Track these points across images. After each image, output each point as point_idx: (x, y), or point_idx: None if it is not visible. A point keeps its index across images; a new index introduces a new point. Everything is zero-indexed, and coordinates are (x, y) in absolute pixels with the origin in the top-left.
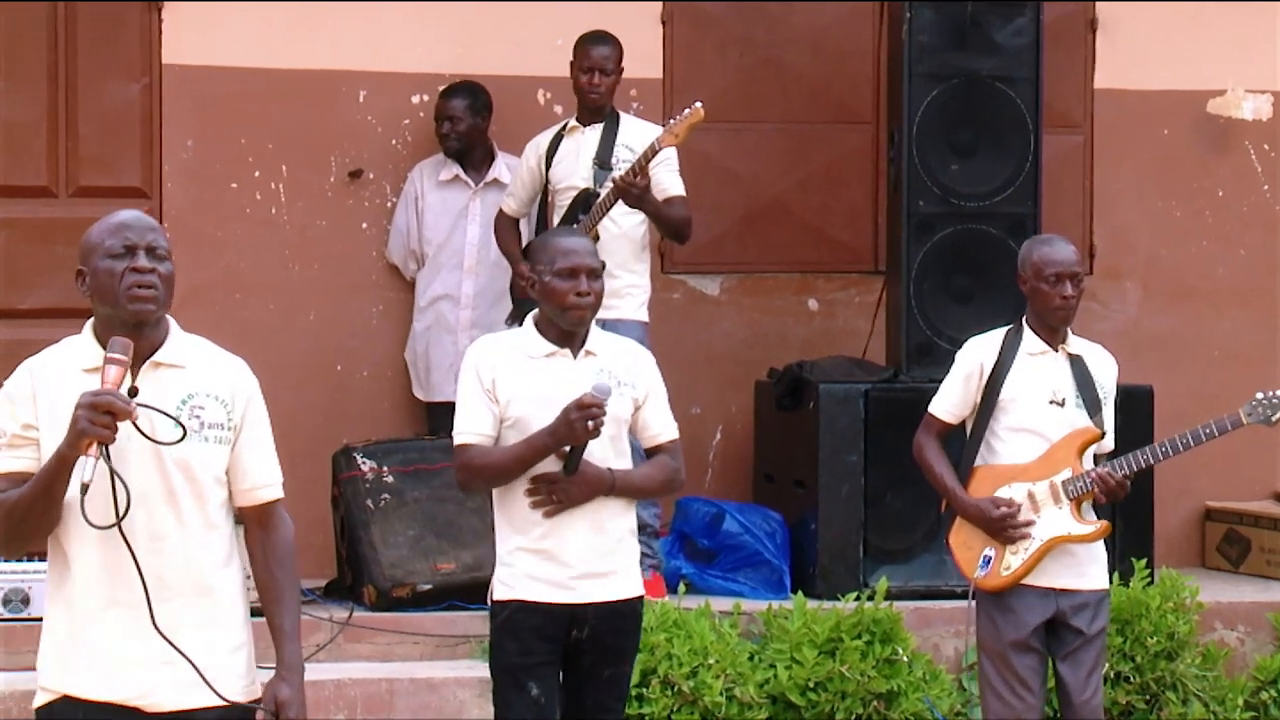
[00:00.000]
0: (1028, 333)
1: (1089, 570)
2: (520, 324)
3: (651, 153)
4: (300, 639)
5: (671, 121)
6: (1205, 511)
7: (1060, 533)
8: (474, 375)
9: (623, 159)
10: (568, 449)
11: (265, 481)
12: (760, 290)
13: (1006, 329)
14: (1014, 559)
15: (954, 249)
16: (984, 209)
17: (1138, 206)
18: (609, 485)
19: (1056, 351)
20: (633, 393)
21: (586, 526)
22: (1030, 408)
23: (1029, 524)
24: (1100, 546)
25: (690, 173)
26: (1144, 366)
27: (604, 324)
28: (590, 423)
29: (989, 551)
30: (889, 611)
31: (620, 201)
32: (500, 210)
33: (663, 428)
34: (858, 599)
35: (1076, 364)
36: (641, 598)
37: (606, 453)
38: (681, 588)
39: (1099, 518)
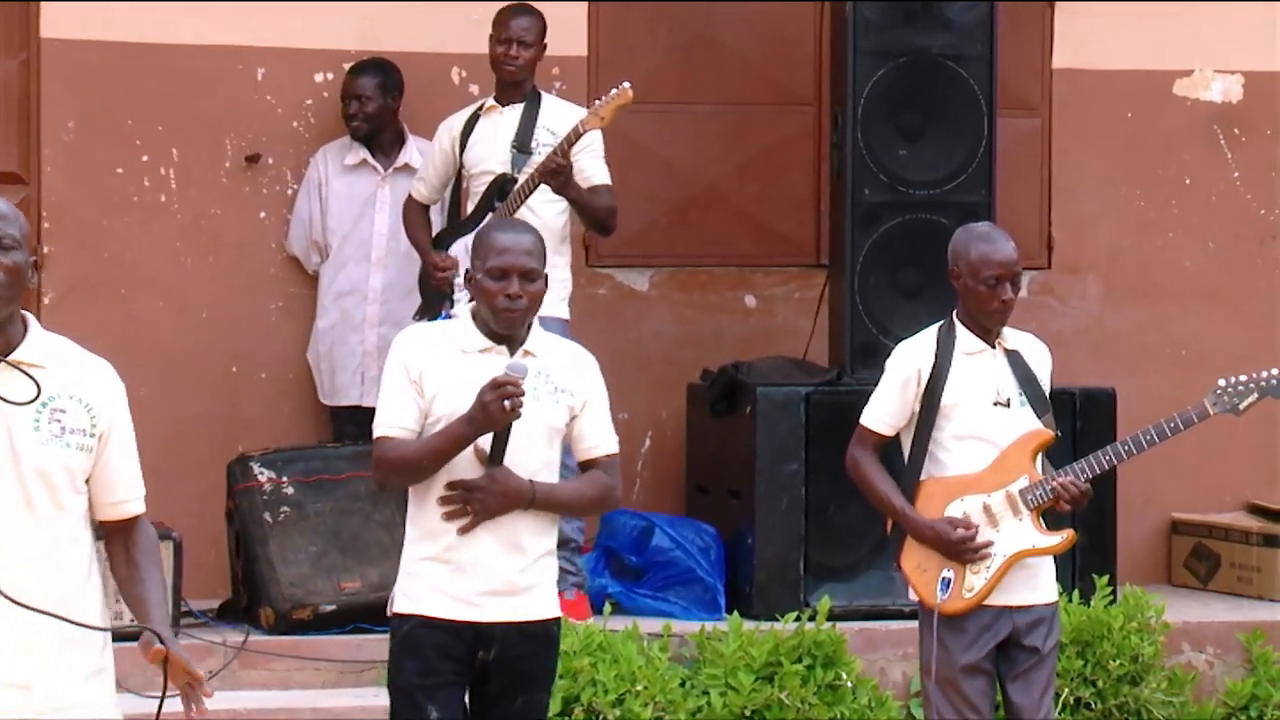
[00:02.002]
0: (961, 330)
1: (1041, 582)
2: (429, 319)
3: (575, 136)
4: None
5: (597, 103)
6: (1172, 524)
7: (1024, 546)
8: (401, 365)
9: (544, 142)
10: (488, 448)
11: (133, 495)
12: (693, 285)
13: (937, 328)
14: (976, 579)
15: (902, 240)
16: (934, 197)
17: (1099, 195)
18: (528, 498)
19: (994, 348)
20: (570, 400)
21: (500, 540)
22: (974, 412)
23: (988, 544)
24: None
25: (617, 159)
26: (1105, 368)
27: None
28: (507, 402)
29: (948, 573)
30: (832, 633)
31: (541, 188)
32: (409, 196)
33: (600, 440)
34: (798, 620)
35: (1015, 360)
36: (557, 620)
37: (534, 464)
38: (607, 608)
39: (1061, 526)
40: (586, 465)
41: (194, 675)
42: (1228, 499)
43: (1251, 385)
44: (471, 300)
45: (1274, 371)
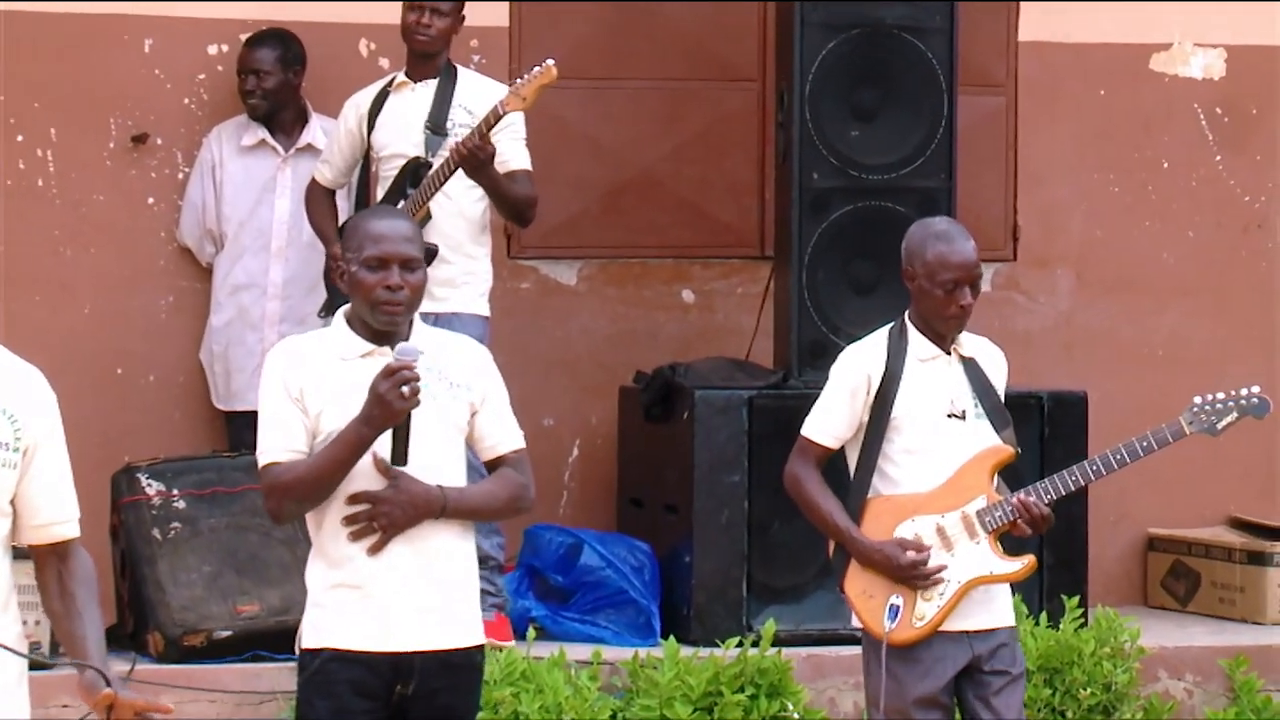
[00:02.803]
0: (914, 334)
1: (999, 604)
2: (334, 317)
3: (495, 117)
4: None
5: (518, 81)
6: (1148, 540)
7: (980, 572)
8: (278, 383)
9: (460, 122)
10: (388, 452)
11: (63, 517)
12: (625, 279)
13: (888, 331)
14: (927, 607)
15: (854, 230)
16: (889, 183)
17: (1069, 180)
18: (440, 505)
19: (949, 355)
20: (468, 395)
21: (415, 560)
22: (927, 424)
23: (941, 568)
24: None
25: (542, 140)
26: (1077, 369)
27: (437, 319)
28: (405, 388)
29: (896, 599)
30: (777, 660)
31: (458, 173)
32: (313, 180)
33: (504, 435)
34: (740, 645)
35: (972, 368)
36: (482, 647)
37: (438, 464)
38: (531, 632)
39: (1022, 550)
40: (493, 464)
41: (158, 708)
42: (1208, 513)
43: (1230, 404)
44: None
45: (1254, 389)
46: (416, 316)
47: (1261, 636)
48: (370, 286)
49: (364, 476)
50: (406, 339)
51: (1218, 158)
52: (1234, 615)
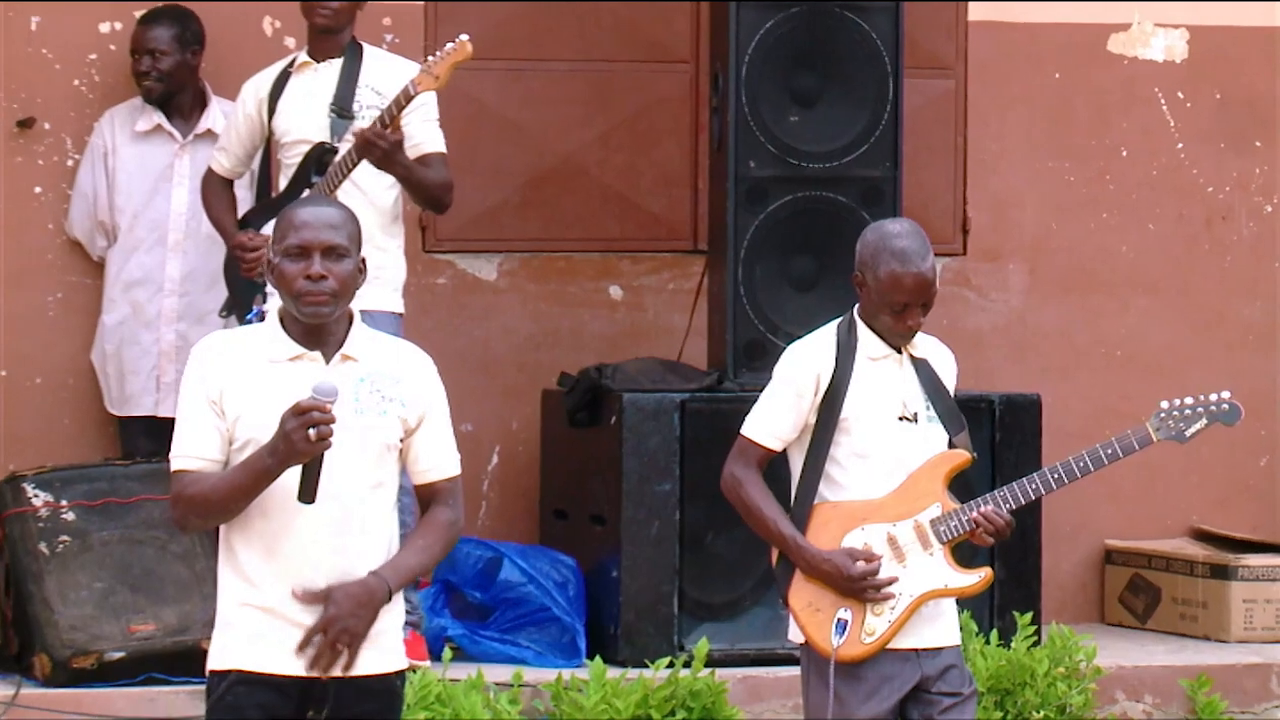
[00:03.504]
0: (864, 331)
1: (946, 621)
2: (236, 315)
3: (405, 98)
4: None
5: (431, 59)
6: (1105, 553)
7: (934, 586)
8: (198, 383)
9: (368, 105)
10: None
11: None
12: (549, 274)
13: (836, 327)
14: (877, 621)
15: (793, 222)
16: (830, 172)
17: (1022, 169)
18: (385, 592)
19: (900, 354)
20: (402, 411)
21: (332, 578)
22: (877, 427)
23: (893, 580)
24: None
25: (458, 124)
26: (1029, 370)
27: None
28: (312, 431)
29: (844, 613)
30: (710, 681)
31: (365, 160)
32: (209, 170)
33: (440, 460)
34: (671, 666)
35: (923, 369)
36: (402, 673)
37: (362, 489)
38: (447, 653)
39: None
40: (425, 490)
41: None
42: (1169, 524)
43: (1200, 410)
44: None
45: (1224, 395)
46: (357, 315)
47: (1225, 655)
48: (291, 277)
49: (279, 500)
50: (343, 343)
51: (1180, 145)
52: (1196, 633)
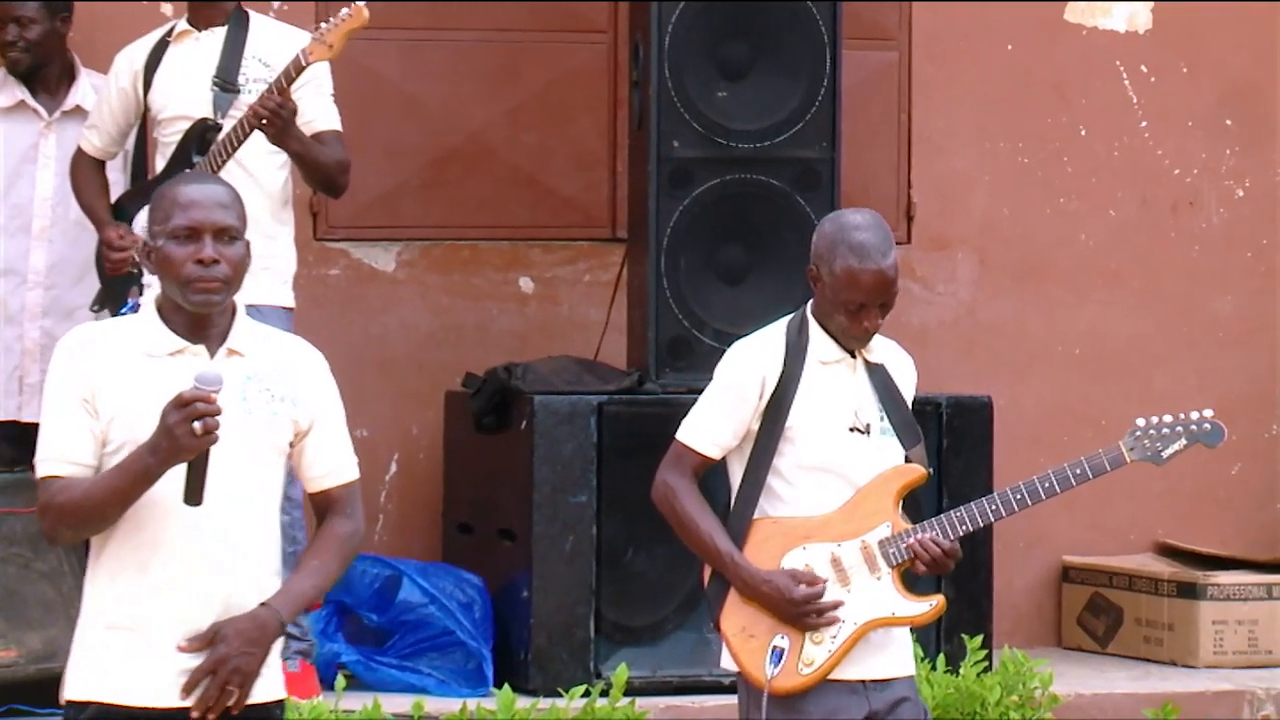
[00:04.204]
0: (816, 332)
1: (898, 649)
2: (109, 310)
3: (296, 69)
4: None
5: (323, 26)
6: (1062, 570)
7: (881, 613)
8: (66, 380)
9: (255, 77)
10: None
11: None
12: (452, 264)
13: (786, 326)
14: (817, 651)
15: (721, 208)
16: (762, 152)
17: (972, 150)
18: (278, 624)
19: (854, 358)
20: (294, 413)
21: (205, 598)
22: (825, 437)
23: (837, 605)
24: None
25: (351, 100)
26: (979, 369)
27: None
28: (197, 424)
29: (781, 641)
30: (630, 711)
31: (254, 137)
32: (78, 150)
33: (336, 466)
34: (587, 695)
35: (878, 376)
36: (281, 703)
37: (248, 495)
38: (340, 681)
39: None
40: (320, 499)
41: None
42: (1133, 538)
43: (1179, 430)
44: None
45: (1206, 413)
46: (241, 307)
47: (1193, 682)
48: (179, 262)
49: (163, 504)
50: (227, 337)
51: (1143, 124)
52: (1161, 657)
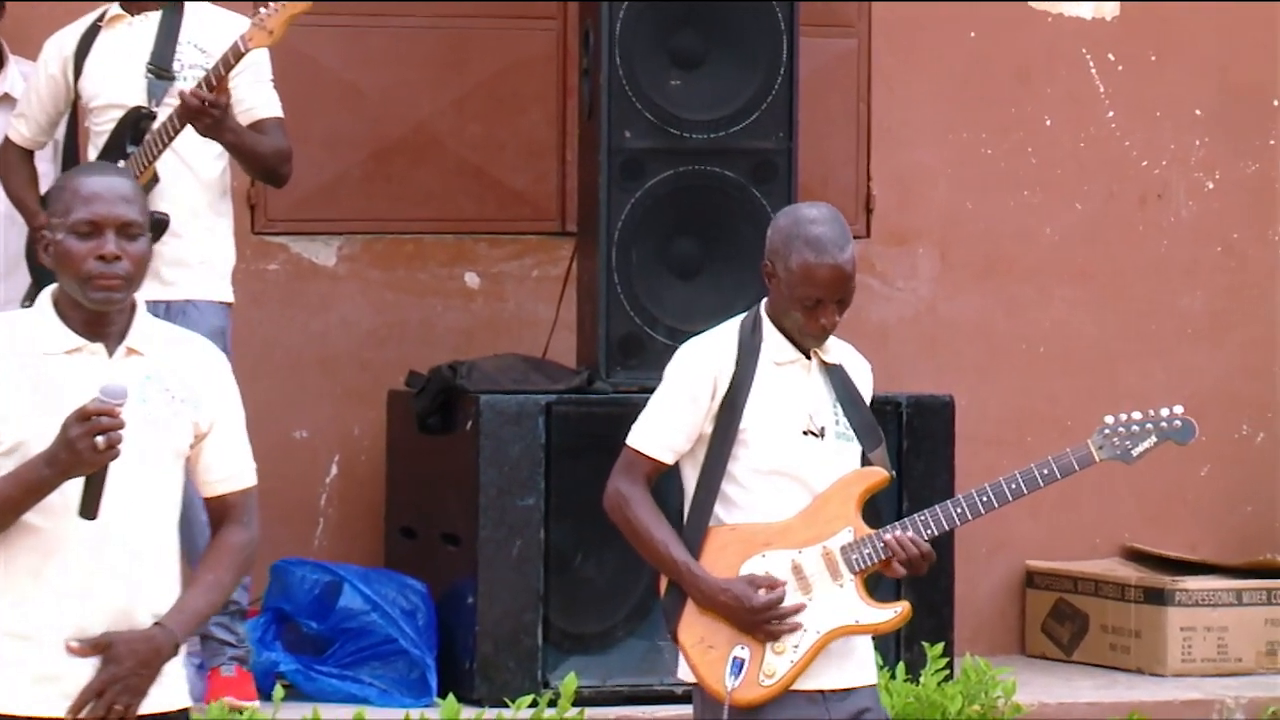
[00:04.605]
0: (770, 330)
1: (860, 658)
2: None
3: (235, 55)
4: None
5: (263, 11)
6: (1026, 575)
7: (844, 622)
8: None
9: (191, 64)
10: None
11: None
12: (396, 259)
13: (739, 325)
14: (778, 661)
15: (674, 200)
16: (717, 143)
17: (933, 141)
18: (172, 643)
19: (809, 359)
20: (194, 414)
21: (104, 602)
22: (778, 440)
23: (798, 609)
24: None
25: (291, 88)
26: (941, 368)
27: (168, 308)
28: (100, 439)
29: (741, 651)
30: None
31: (189, 127)
32: (6, 139)
33: (234, 470)
34: (534, 705)
35: (836, 376)
36: (185, 711)
37: (146, 502)
38: (279, 690)
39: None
40: (215, 505)
41: None
42: (1098, 542)
43: (1149, 427)
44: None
45: (1176, 410)
46: (141, 304)
47: (1161, 690)
48: (79, 258)
49: (58, 513)
50: (126, 335)
51: (1110, 114)
52: (1128, 665)
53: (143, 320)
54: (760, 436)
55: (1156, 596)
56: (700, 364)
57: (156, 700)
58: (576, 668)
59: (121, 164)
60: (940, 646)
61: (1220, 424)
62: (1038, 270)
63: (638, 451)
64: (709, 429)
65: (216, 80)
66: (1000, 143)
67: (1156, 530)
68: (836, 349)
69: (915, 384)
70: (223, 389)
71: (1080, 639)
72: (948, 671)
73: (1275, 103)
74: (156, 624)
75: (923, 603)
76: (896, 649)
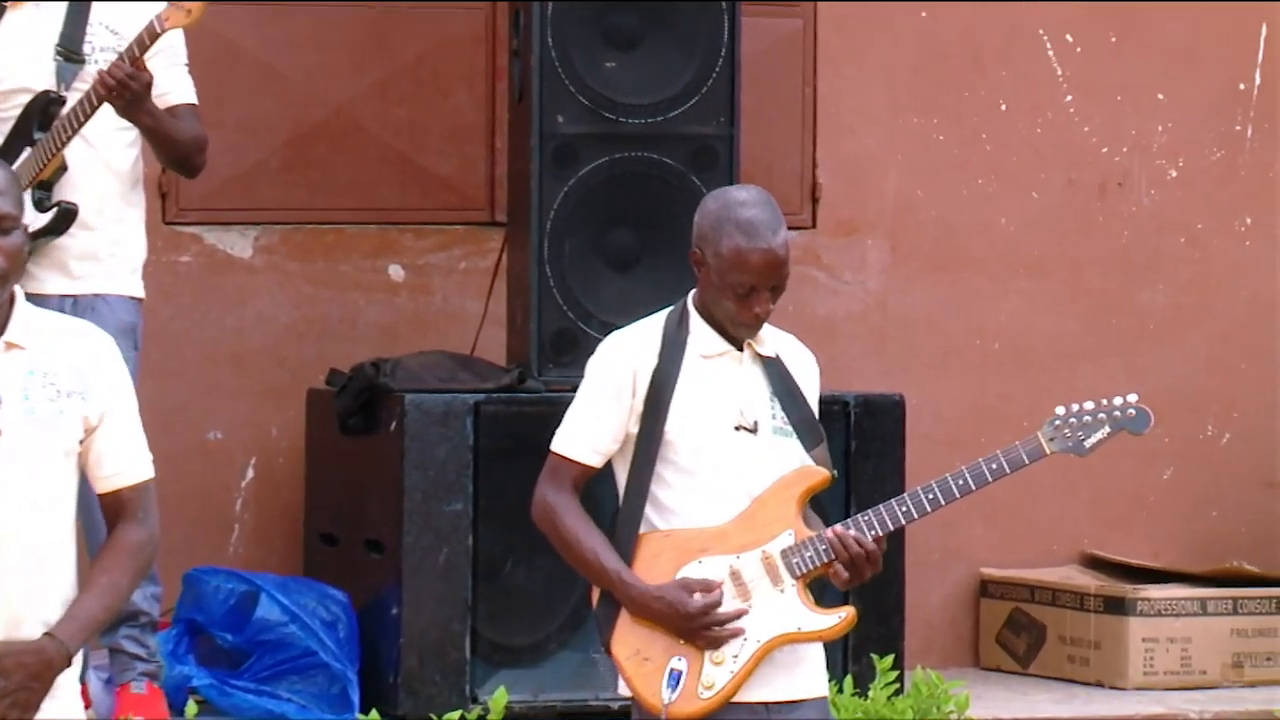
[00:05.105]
0: (697, 322)
1: (808, 668)
2: None
3: (150, 36)
4: None
5: None
6: (980, 584)
7: (786, 629)
8: None
9: (102, 46)
10: None
11: None
12: (315, 250)
13: (665, 317)
14: (718, 672)
15: (610, 189)
16: (654, 128)
17: (882, 127)
18: (64, 655)
19: (741, 350)
20: (83, 408)
21: None
22: (707, 438)
23: (739, 614)
24: None
25: (204, 71)
26: (891, 365)
27: (76, 302)
28: None
29: (678, 663)
30: None
31: (103, 111)
32: None
33: (129, 462)
34: None
35: (772, 369)
36: None
37: (32, 505)
38: (191, 707)
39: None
40: (109, 501)
41: None
42: (1056, 548)
43: (1101, 417)
44: None
45: (1130, 399)
46: (20, 295)
47: (1122, 705)
48: None
49: None
50: (5, 324)
51: (1069, 98)
52: (1088, 678)
53: (23, 312)
54: (687, 434)
55: (1117, 606)
56: (619, 359)
57: (49, 714)
58: (506, 682)
59: (27, 152)
60: (890, 659)
61: (1184, 424)
62: (992, 262)
63: (562, 456)
64: (635, 428)
65: (132, 62)
66: (953, 129)
67: (1117, 536)
68: (774, 340)
69: (864, 382)
70: (113, 378)
71: (1037, 651)
72: (897, 685)
73: (1241, 86)
74: (47, 634)
75: (871, 612)
76: (844, 661)
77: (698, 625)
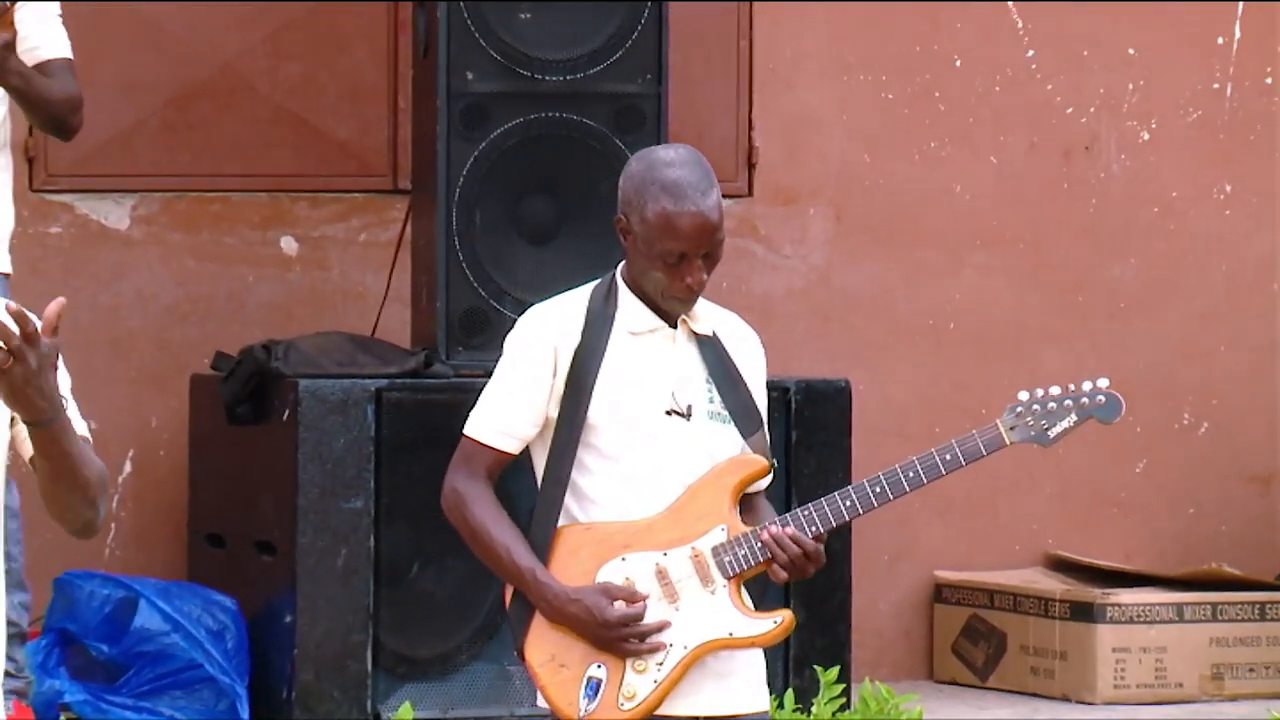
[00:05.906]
0: (626, 297)
1: (745, 678)
2: None
3: None
4: None
5: None
6: (934, 588)
7: (717, 634)
8: None
9: None
10: None
11: None
12: (200, 221)
13: (590, 290)
14: (639, 681)
15: (525, 153)
16: (574, 86)
17: (825, 85)
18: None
19: (675, 328)
20: None
21: None
22: (635, 422)
23: (663, 625)
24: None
25: (78, 25)
26: (835, 347)
27: None
28: None
29: (596, 671)
30: None
31: None
32: None
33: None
34: None
35: (708, 349)
36: None
37: None
38: None
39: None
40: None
41: None
42: (1018, 549)
43: (1068, 404)
44: None
45: (1100, 384)
46: None
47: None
48: None
49: None
50: None
51: (1030, 53)
52: (1052, 691)
53: None
54: (613, 418)
55: (1084, 612)
56: (537, 336)
57: None
58: (412, 696)
59: None
60: (835, 671)
61: (1158, 412)
62: (947, 234)
63: (475, 441)
64: (555, 411)
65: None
66: (903, 86)
67: (1085, 535)
68: (710, 316)
69: (806, 366)
70: None
71: (997, 662)
72: (844, 700)
73: (1220, 40)
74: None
75: (815, 620)
76: (785, 674)
77: (615, 636)
